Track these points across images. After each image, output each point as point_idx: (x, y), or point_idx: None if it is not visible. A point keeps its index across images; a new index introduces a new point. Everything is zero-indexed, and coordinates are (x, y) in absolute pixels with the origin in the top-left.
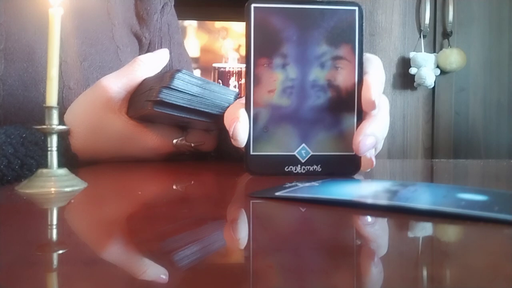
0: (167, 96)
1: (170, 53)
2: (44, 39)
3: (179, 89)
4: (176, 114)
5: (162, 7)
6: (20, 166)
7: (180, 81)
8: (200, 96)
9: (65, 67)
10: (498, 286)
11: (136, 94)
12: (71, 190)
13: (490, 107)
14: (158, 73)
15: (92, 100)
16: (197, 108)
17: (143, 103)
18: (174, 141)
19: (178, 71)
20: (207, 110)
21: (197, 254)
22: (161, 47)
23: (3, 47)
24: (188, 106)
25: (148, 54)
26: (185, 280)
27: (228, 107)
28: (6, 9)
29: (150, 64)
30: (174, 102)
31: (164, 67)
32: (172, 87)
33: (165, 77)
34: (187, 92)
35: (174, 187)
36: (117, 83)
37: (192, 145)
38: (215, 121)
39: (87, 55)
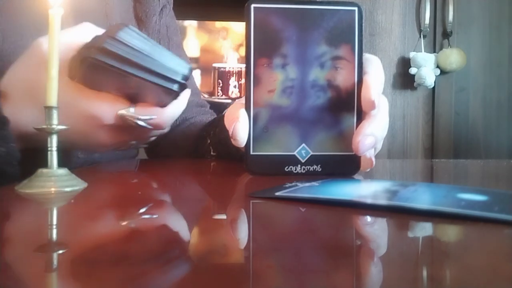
0: (112, 46)
1: None
2: None
3: (125, 42)
4: (119, 67)
5: (161, 9)
6: None
7: (127, 35)
8: (148, 54)
9: None
10: (498, 286)
11: (78, 53)
12: (71, 190)
13: (490, 107)
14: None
15: (27, 60)
16: (143, 65)
17: (84, 52)
18: (120, 111)
19: (126, 25)
20: (155, 70)
21: (197, 254)
22: None
23: (0, 49)
24: (133, 60)
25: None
26: (185, 280)
27: (181, 73)
28: (3, 11)
29: (94, 29)
30: (119, 53)
31: None
32: (117, 38)
33: (112, 28)
34: (133, 47)
35: (174, 187)
36: None
37: (141, 117)
38: (167, 89)
39: None
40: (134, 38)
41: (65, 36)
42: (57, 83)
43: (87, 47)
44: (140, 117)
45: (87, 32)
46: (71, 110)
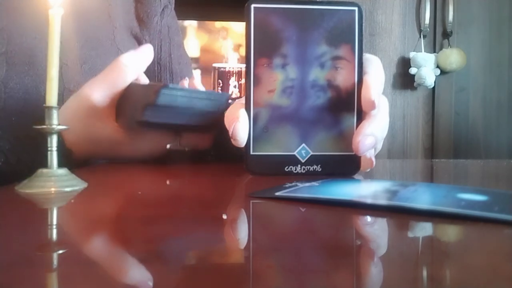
0: (152, 116)
1: (170, 55)
2: (45, 42)
3: (166, 105)
4: (160, 129)
5: (162, 9)
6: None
7: (166, 97)
8: (190, 107)
9: (66, 69)
10: (498, 286)
11: (122, 102)
12: (71, 190)
13: (490, 107)
14: (144, 84)
15: (75, 109)
16: (185, 123)
17: (129, 121)
18: (168, 146)
19: (163, 86)
20: (196, 123)
21: (197, 254)
22: (161, 50)
23: (4, 51)
24: (174, 123)
25: (131, 53)
26: (185, 280)
27: (222, 110)
28: (7, 13)
29: (133, 66)
30: (160, 121)
31: (164, 69)
32: (157, 104)
33: (150, 93)
34: (173, 106)
35: (174, 187)
36: (100, 91)
37: (187, 149)
38: (209, 125)
39: (88, 58)
40: (172, 97)
41: (107, 80)
42: (57, 83)
43: (132, 109)
44: (186, 149)
45: (125, 72)
46: (124, 148)
